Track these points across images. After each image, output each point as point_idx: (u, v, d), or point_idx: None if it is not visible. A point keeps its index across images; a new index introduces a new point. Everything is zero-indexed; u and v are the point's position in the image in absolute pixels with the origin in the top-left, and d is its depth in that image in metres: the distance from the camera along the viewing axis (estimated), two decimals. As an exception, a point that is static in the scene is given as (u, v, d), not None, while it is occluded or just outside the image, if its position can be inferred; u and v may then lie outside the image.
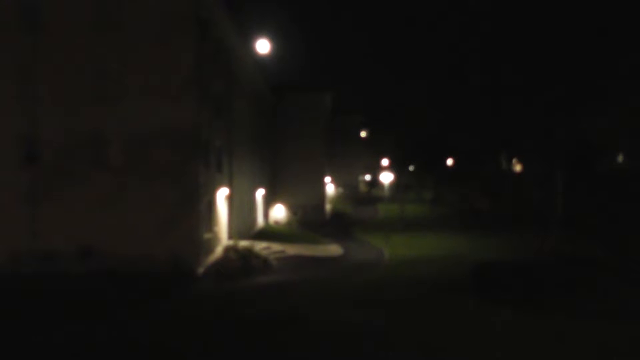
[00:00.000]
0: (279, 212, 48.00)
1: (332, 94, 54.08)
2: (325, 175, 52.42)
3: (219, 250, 25.67)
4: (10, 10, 22.55)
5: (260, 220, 41.51)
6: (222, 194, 27.45)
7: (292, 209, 48.43)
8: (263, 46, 26.77)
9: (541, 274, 16.57)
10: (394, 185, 77.36)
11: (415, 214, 54.03)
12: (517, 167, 53.85)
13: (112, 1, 22.36)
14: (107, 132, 22.34)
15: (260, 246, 28.18)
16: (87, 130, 22.33)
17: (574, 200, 35.80)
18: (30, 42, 22.43)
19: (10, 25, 22.51)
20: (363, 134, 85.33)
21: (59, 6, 22.43)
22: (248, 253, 25.06)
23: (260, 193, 41.05)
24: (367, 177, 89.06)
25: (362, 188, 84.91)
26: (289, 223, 46.57)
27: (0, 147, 22.51)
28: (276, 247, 30.06)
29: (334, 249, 33.58)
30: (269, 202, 46.25)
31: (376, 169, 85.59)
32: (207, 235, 24.13)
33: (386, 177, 56.52)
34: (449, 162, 65.85)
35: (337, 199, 68.82)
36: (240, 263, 23.94)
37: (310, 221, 47.42)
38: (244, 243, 27.26)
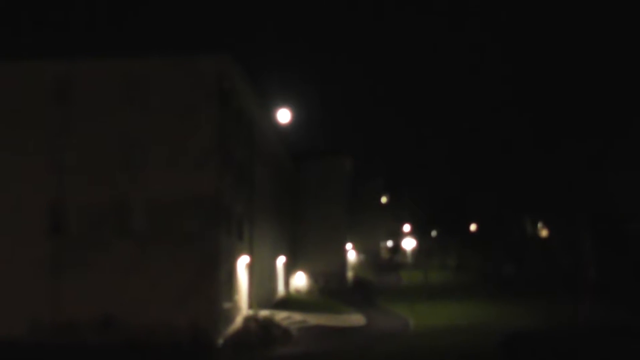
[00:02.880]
0: (300, 280, 47.35)
1: (352, 159, 54.49)
2: (346, 241, 51.95)
3: (239, 320, 25.20)
4: (40, 82, 23.58)
5: (281, 288, 40.93)
6: (242, 262, 27.27)
7: (313, 276, 47.75)
8: (284, 115, 27.36)
9: (574, 345, 15.82)
10: (417, 251, 76.17)
11: (440, 280, 52.79)
12: (543, 233, 52.81)
13: (137, 74, 23.32)
14: (130, 200, 22.65)
15: (281, 316, 27.62)
16: (111, 198, 22.66)
17: (605, 265, 34.67)
18: (58, 113, 23.25)
19: (40, 97, 23.44)
20: (384, 199, 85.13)
21: (87, 79, 23.43)
22: (268, 323, 24.57)
23: (281, 260, 40.71)
24: (389, 243, 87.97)
25: (384, 254, 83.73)
26: (310, 291, 45.80)
27: (26, 216, 22.90)
28: (297, 316, 29.42)
29: (356, 319, 32.73)
30: (289, 269, 45.74)
31: (398, 235, 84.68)
32: (227, 305, 23.77)
33: (408, 243, 55.75)
34: (472, 227, 64.97)
35: (359, 265, 67.82)
36: (260, 333, 23.42)
37: (332, 289, 46.55)
38: (264, 312, 26.79)
